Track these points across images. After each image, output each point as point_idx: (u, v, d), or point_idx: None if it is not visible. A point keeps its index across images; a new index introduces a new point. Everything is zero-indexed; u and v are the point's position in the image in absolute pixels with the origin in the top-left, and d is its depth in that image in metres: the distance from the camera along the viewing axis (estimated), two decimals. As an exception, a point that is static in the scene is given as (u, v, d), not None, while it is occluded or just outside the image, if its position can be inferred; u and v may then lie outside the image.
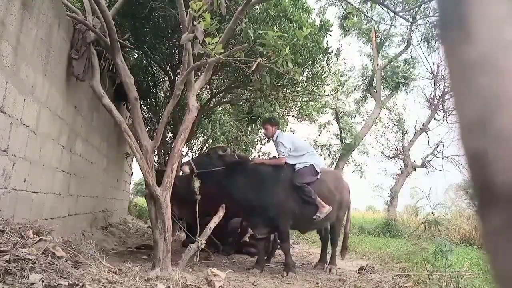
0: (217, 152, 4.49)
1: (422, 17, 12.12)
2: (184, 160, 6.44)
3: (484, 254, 0.39)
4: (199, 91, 4.74)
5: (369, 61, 14.45)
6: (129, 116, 7.07)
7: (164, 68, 7.16)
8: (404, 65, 13.10)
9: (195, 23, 3.07)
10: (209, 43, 3.06)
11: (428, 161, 13.87)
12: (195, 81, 3.76)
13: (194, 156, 9.94)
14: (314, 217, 4.39)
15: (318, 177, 4.61)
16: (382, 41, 13.59)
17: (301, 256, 6.39)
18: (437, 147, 13.62)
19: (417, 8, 11.26)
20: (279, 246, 6.65)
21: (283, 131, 7.92)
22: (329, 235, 5.24)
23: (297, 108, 9.55)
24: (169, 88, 8.04)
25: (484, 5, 0.40)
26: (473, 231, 9.22)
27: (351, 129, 13.77)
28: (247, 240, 5.58)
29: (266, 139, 9.38)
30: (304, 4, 5.85)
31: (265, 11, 5.28)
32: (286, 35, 4.01)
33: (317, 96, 7.75)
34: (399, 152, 14.75)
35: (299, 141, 4.96)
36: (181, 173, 4.66)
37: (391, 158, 15.14)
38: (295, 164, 4.57)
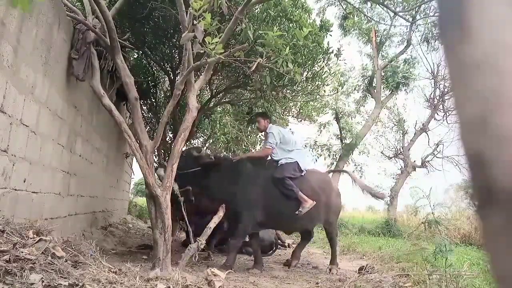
0: (192, 153, 4.48)
1: (422, 17, 12.12)
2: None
3: (484, 254, 0.39)
4: (199, 91, 4.74)
5: (369, 61, 14.48)
6: (129, 116, 7.07)
7: (164, 68, 7.14)
8: (404, 65, 13.11)
9: (195, 22, 3.07)
10: (209, 43, 3.06)
11: (428, 161, 13.88)
12: (195, 81, 3.76)
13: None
14: (297, 212, 4.34)
15: (302, 174, 4.59)
16: (382, 41, 13.60)
17: (301, 256, 6.37)
18: (437, 147, 13.64)
19: (417, 8, 11.26)
20: (279, 246, 6.67)
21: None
22: (311, 237, 5.32)
23: (297, 108, 9.53)
24: (169, 88, 8.02)
25: (484, 5, 0.40)
26: (473, 231, 9.23)
27: (351, 129, 13.77)
28: (247, 240, 5.57)
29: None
30: (304, 4, 5.84)
31: (265, 11, 5.28)
32: (286, 35, 4.01)
33: (317, 96, 7.73)
34: (399, 152, 14.76)
35: (290, 135, 4.90)
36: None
37: (391, 158, 15.15)
38: (278, 161, 4.56)
